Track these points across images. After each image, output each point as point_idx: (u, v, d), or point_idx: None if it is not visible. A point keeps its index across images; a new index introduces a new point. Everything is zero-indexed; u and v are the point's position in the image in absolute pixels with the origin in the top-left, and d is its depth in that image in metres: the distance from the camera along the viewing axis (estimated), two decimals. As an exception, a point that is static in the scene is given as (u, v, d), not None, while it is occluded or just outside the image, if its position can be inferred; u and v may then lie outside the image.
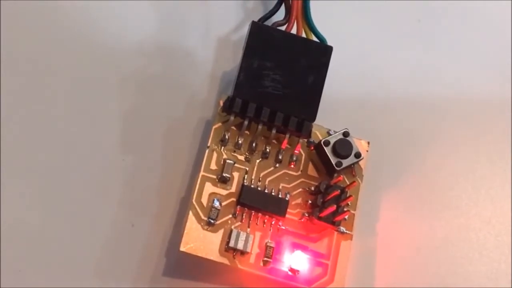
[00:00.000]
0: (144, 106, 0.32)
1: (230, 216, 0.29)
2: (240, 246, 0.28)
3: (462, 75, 0.35)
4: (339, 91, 0.33)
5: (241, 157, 0.30)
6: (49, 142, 0.31)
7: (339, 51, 0.30)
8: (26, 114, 0.31)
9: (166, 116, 0.32)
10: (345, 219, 0.29)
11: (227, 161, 0.29)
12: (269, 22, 0.31)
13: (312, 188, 0.30)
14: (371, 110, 0.34)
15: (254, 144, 0.30)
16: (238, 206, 0.29)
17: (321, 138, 0.30)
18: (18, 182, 0.30)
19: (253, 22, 0.30)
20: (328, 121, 0.31)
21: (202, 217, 0.29)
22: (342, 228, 0.29)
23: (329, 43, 0.30)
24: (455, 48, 0.36)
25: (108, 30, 0.33)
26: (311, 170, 0.30)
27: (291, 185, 0.30)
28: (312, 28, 0.31)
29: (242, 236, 0.28)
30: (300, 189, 0.30)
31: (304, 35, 0.31)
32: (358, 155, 0.30)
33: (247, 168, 0.30)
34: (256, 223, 0.29)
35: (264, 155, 0.30)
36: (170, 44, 0.33)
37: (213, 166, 0.29)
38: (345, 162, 0.30)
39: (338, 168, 0.30)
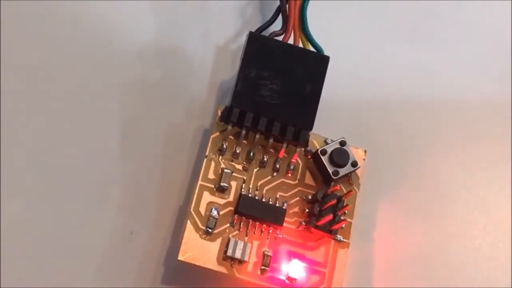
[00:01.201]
0: (142, 114, 0.32)
1: (228, 225, 0.29)
2: (237, 255, 0.28)
3: (458, 81, 0.35)
4: (336, 99, 0.33)
5: (239, 166, 0.30)
6: (48, 148, 0.31)
7: (336, 59, 0.31)
8: (25, 119, 0.31)
9: (164, 124, 0.32)
10: (342, 227, 0.30)
11: (225, 170, 0.30)
12: (266, 32, 0.31)
13: (309, 197, 0.30)
14: (367, 118, 0.34)
15: (251, 153, 0.30)
16: (236, 215, 0.29)
17: (318, 147, 0.31)
18: (17, 188, 0.30)
19: (250, 32, 0.30)
20: (325, 129, 0.31)
21: (200, 226, 0.29)
22: (339, 237, 0.30)
23: (326, 51, 0.31)
24: (453, 52, 0.36)
25: (107, 37, 0.33)
26: (308, 179, 0.31)
27: (288, 194, 0.30)
28: (309, 38, 0.31)
29: (240, 245, 0.29)
30: (297, 198, 0.30)
31: (301, 45, 0.31)
32: (354, 164, 0.30)
33: (245, 177, 0.30)
34: (254, 232, 0.29)
35: (262, 164, 0.30)
36: (169, 52, 0.33)
37: (211, 175, 0.30)
38: (342, 171, 0.30)
39: (335, 177, 0.30)
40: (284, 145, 0.30)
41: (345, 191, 0.30)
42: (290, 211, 0.30)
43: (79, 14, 0.33)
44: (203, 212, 0.29)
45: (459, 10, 0.37)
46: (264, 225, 0.29)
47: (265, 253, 0.29)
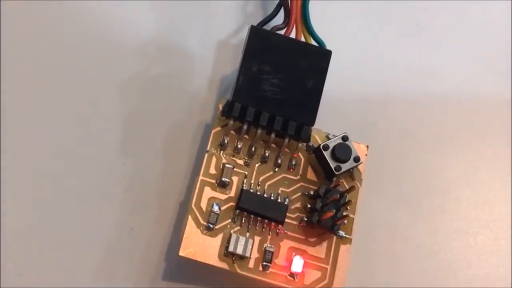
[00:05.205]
0: (144, 110, 0.32)
1: (229, 220, 0.29)
2: (239, 250, 0.28)
3: (461, 78, 0.35)
4: (338, 94, 0.33)
5: (240, 162, 0.30)
6: (48, 145, 0.31)
7: (338, 54, 0.30)
8: (25, 117, 0.31)
9: (165, 120, 0.32)
10: (344, 223, 0.29)
11: (226, 165, 0.29)
12: (268, 26, 0.31)
13: (311, 193, 0.30)
14: (370, 113, 0.34)
15: (253, 148, 0.30)
16: (237, 211, 0.29)
17: (320, 142, 0.30)
18: (17, 185, 0.30)
19: (252, 26, 0.30)
20: (327, 124, 0.31)
21: (201, 221, 0.29)
22: (341, 233, 0.29)
23: (328, 46, 0.30)
24: (455, 50, 0.36)
25: (107, 33, 0.33)
26: (310, 174, 0.30)
27: (290, 189, 0.30)
28: (311, 32, 0.31)
29: (241, 240, 0.28)
30: (299, 194, 0.30)
31: (303, 39, 0.31)
32: (357, 159, 0.30)
33: (246, 173, 0.30)
34: (255, 228, 0.29)
35: (263, 159, 0.30)
36: (170, 47, 0.33)
37: (212, 170, 0.29)
38: (344, 166, 0.30)
39: (337, 173, 0.30)
40: (286, 140, 0.30)
41: (347, 187, 0.30)
42: (292, 207, 0.30)
43: (79, 10, 0.33)
44: (204, 208, 0.29)
45: (460, 10, 0.36)
46: (266, 221, 0.29)
47: (267, 249, 0.29)
